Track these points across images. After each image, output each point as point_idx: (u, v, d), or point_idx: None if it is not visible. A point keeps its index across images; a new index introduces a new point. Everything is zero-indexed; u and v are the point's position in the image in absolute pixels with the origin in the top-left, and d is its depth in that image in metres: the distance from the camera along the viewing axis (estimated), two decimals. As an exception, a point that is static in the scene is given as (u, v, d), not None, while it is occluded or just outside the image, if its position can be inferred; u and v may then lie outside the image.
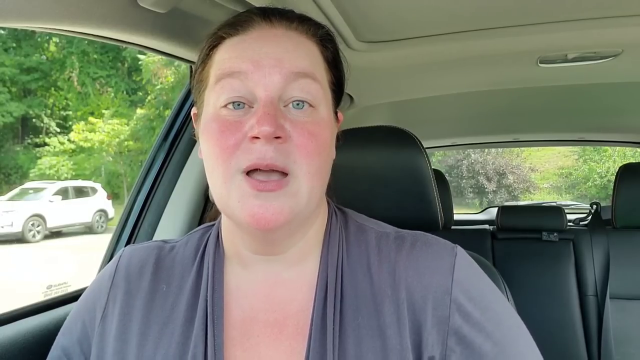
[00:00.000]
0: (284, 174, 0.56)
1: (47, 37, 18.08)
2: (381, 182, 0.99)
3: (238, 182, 0.56)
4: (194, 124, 0.67)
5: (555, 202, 4.33)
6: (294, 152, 0.56)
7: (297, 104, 0.58)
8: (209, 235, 0.71)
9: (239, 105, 0.58)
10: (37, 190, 12.12)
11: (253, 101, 0.58)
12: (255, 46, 0.59)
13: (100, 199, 12.84)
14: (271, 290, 0.64)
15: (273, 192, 0.55)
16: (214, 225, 0.73)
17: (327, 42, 0.65)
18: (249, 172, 0.56)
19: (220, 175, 0.57)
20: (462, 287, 0.60)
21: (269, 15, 0.62)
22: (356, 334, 0.59)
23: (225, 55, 0.60)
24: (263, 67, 0.57)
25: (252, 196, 0.56)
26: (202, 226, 0.75)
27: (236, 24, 0.61)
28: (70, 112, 18.63)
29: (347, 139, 0.72)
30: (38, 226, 11.15)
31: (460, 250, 0.65)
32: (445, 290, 0.60)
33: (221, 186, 0.58)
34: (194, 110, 0.67)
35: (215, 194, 0.60)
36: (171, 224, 1.25)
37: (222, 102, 0.58)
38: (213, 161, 0.58)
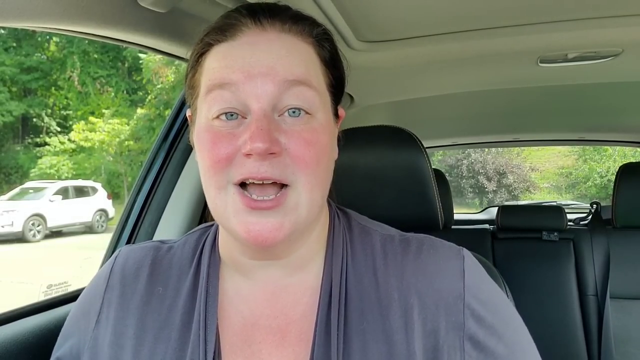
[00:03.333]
0: (282, 186, 0.54)
1: (48, 37, 18.07)
2: (381, 182, 0.99)
3: (232, 194, 0.55)
4: (190, 126, 0.65)
5: (555, 201, 4.34)
6: (291, 164, 0.54)
7: (293, 112, 0.55)
8: (207, 237, 0.69)
9: (232, 115, 0.55)
10: (37, 189, 12.12)
11: (246, 112, 0.55)
12: (245, 54, 0.55)
13: (100, 199, 12.86)
14: (272, 295, 0.63)
15: (270, 210, 0.54)
16: (212, 225, 0.71)
17: (323, 41, 0.61)
18: (242, 185, 0.54)
19: (213, 187, 0.56)
20: (473, 291, 0.60)
21: (260, 17, 0.57)
22: (361, 339, 0.58)
23: (215, 64, 0.56)
24: (254, 77, 0.54)
25: (246, 213, 0.54)
26: (200, 226, 0.73)
27: (224, 29, 0.57)
28: (71, 112, 18.63)
29: (347, 139, 0.72)
30: (38, 226, 11.16)
31: (466, 252, 0.64)
32: (457, 296, 0.59)
33: (215, 197, 0.56)
34: (188, 112, 0.65)
35: (211, 206, 0.58)
36: (171, 223, 1.25)
37: (214, 113, 0.55)
38: (205, 173, 0.57)
